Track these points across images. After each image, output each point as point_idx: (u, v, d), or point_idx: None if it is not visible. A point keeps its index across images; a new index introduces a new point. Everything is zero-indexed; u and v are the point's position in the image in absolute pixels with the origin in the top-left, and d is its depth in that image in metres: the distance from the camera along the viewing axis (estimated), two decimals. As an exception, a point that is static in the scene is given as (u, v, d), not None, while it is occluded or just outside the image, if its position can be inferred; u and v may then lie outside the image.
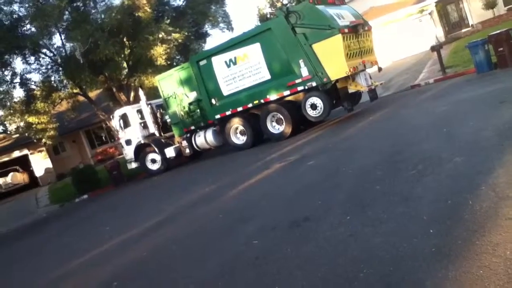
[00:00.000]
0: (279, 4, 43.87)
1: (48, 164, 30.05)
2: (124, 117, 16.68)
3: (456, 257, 3.32)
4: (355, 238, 4.30)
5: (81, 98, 24.45)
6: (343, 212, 5.11)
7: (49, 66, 22.55)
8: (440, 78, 14.61)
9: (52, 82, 22.65)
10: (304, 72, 12.34)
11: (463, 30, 29.41)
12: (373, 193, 5.42)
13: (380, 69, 13.91)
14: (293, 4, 41.04)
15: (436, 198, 4.61)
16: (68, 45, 22.17)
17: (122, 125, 16.73)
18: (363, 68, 12.60)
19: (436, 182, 5.09)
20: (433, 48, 16.03)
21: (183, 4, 24.88)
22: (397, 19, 28.09)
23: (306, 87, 12.48)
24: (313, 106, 12.46)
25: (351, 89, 12.53)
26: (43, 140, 22.99)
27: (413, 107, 11.60)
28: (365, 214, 4.84)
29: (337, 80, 12.24)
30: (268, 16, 45.16)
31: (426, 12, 28.15)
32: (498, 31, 12.81)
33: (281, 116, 13.09)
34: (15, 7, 21.07)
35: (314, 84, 12.27)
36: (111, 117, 18.61)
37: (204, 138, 14.89)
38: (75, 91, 23.25)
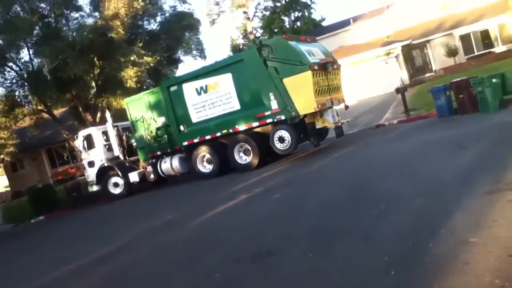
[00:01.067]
0: (252, 36, 44.70)
1: (5, 181, 28.87)
2: (88, 138, 16.32)
3: (416, 300, 3.39)
4: (317, 275, 4.32)
5: (45, 115, 23.78)
6: (307, 248, 5.13)
7: (14, 81, 21.91)
8: (404, 120, 15.12)
9: (16, 97, 22.00)
10: (274, 105, 12.52)
11: (427, 75, 30.78)
12: (336, 230, 5.49)
13: (346, 107, 14.30)
14: (266, 37, 41.92)
15: (397, 238, 4.71)
16: (36, 60, 21.72)
17: (86, 146, 16.35)
18: (330, 105, 12.92)
19: (398, 222, 5.21)
20: (397, 90, 16.63)
21: (157, 28, 24.98)
22: (364, 60, 29.13)
23: (275, 120, 12.65)
24: (281, 139, 12.60)
25: (319, 124, 12.77)
26: (1, 156, 22.14)
27: (377, 146, 11.92)
28: (328, 250, 4.89)
29: (305, 115, 12.46)
30: (241, 47, 45.87)
31: (393, 55, 29.36)
32: (459, 79, 13.45)
33: (249, 147, 13.15)
34: (-18, 18, 20.59)
35: (283, 117, 12.46)
36: (75, 137, 18.16)
37: (170, 165, 14.72)
38: (39, 107, 22.62)
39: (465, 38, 30.35)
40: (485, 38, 30.30)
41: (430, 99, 14.47)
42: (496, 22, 29.46)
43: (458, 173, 6.64)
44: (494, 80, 12.10)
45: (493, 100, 12.10)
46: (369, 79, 28.00)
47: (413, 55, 32.01)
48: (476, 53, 30.03)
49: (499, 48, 29.40)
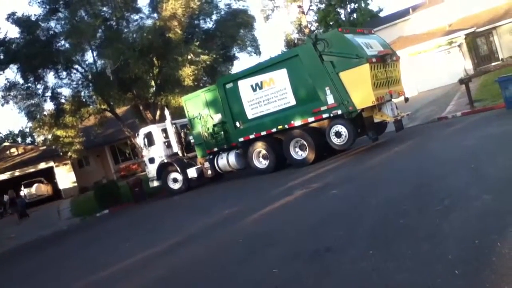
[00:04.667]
0: (306, 30, 44.28)
1: (72, 177, 30.59)
2: (149, 136, 16.90)
3: (484, 302, 3.22)
4: (377, 274, 4.22)
5: (108, 114, 24.93)
6: (366, 245, 5.02)
7: (79, 82, 23.14)
8: (468, 112, 14.41)
9: (82, 97, 23.23)
10: (330, 99, 12.33)
11: (493, 64, 29.06)
12: (398, 227, 5.33)
13: (406, 99, 13.82)
14: (321, 30, 41.37)
15: (462, 236, 4.50)
16: (99, 62, 22.78)
17: (146, 143, 16.94)
18: (389, 98, 12.54)
19: (463, 219, 4.98)
20: (461, 81, 15.85)
21: (213, 27, 25.35)
22: (425, 50, 27.98)
23: (331, 115, 12.46)
24: (338, 134, 12.41)
25: (377, 118, 12.44)
26: (69, 153, 23.48)
27: (439, 140, 11.44)
28: (389, 248, 4.75)
29: (363, 109, 12.18)
30: (296, 42, 45.57)
31: (455, 44, 27.97)
32: (530, 67, 12.62)
33: (304, 142, 13.06)
34: (52, 23, 21.85)
35: (339, 112, 12.25)
36: (136, 134, 18.90)
37: (227, 160, 14.93)
38: (103, 107, 23.76)
39: (536, 23, 28.32)
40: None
41: (497, 90, 13.69)
42: None
43: (529, 168, 6.24)
44: None
45: None
46: (430, 70, 26.88)
47: (478, 44, 30.31)
48: (549, 38, 27.97)
49: None
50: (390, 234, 5.18)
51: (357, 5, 42.26)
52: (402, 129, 13.22)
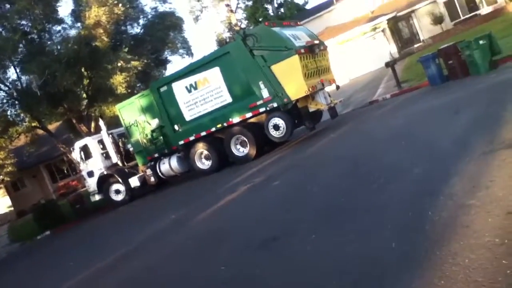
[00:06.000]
0: (237, 28, 44.44)
1: (7, 201, 28.88)
2: (84, 149, 16.25)
3: (418, 268, 3.40)
4: (322, 253, 4.34)
5: (40, 131, 23.75)
6: (310, 228, 5.15)
7: (4, 100, 21.83)
8: (396, 93, 15.09)
9: (8, 116, 21.89)
10: (265, 93, 12.47)
11: (416, 45, 30.63)
12: (338, 208, 5.51)
13: (338, 87, 14.26)
14: (251, 27, 41.67)
15: (397, 209, 4.73)
16: (23, 78, 21.63)
17: (83, 157, 16.27)
18: (321, 87, 12.86)
19: (397, 193, 5.22)
20: (387, 64, 16.56)
21: (141, 32, 24.86)
22: (352, 38, 28.98)
23: (268, 108, 12.60)
24: (276, 127, 12.57)
25: (312, 108, 12.72)
26: (1, 177, 22.13)
27: (372, 122, 11.91)
28: (332, 228, 4.91)
29: (297, 100, 12.41)
30: (227, 40, 45.64)
31: (379, 29, 29.20)
32: (447, 45, 13.40)
33: (245, 139, 13.12)
34: (-34, 43, 20.45)
35: (275, 105, 12.41)
36: (71, 149, 18.13)
37: (169, 165, 14.70)
38: (33, 124, 22.57)
39: (449, 4, 30.18)
40: (470, 1, 30.14)
41: (421, 70, 14.44)
42: (478, -16, 29.27)
43: (453, 138, 6.65)
44: (481, 42, 12.01)
45: (483, 62, 12.02)
46: (358, 57, 27.89)
47: (400, 28, 31.84)
48: (462, 18, 29.93)
49: (484, 10, 29.29)
50: (331, 215, 5.35)
51: (283, -1, 43.01)
52: (336, 116, 13.62)
